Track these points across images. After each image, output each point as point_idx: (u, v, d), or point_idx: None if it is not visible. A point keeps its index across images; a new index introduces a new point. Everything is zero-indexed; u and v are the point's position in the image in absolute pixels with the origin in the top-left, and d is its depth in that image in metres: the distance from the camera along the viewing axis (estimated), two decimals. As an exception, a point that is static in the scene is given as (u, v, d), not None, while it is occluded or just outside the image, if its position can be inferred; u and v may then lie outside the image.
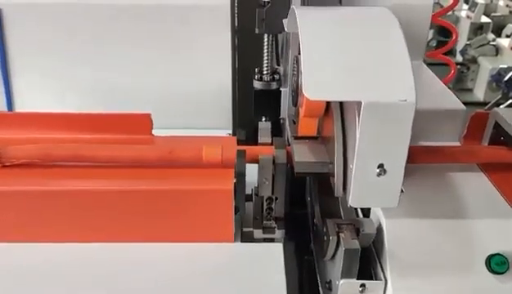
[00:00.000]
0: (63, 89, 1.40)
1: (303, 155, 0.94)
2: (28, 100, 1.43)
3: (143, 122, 1.04)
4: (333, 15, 0.87)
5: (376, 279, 0.85)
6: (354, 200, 0.78)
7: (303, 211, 1.16)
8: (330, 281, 0.91)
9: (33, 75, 1.40)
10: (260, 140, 1.07)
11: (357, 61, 0.75)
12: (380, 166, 0.73)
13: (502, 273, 0.82)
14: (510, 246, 0.83)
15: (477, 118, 1.09)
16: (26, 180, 0.95)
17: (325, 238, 0.86)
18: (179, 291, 0.89)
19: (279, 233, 1.00)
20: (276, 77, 1.28)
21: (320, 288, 1.00)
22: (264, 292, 0.88)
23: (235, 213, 0.95)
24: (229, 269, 0.93)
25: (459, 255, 0.84)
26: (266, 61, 1.26)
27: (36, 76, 1.40)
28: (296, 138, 1.01)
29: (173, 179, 0.96)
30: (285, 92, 1.27)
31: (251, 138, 1.24)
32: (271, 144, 1.04)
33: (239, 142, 1.03)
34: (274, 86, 1.28)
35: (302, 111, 0.91)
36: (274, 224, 1.00)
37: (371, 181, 0.75)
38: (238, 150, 0.95)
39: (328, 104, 0.89)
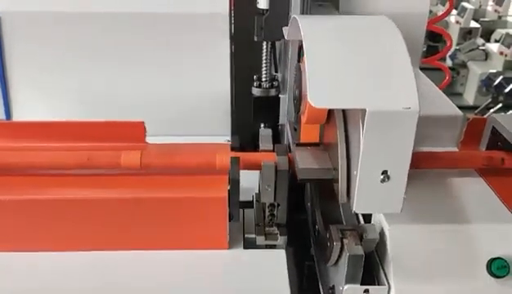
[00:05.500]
0: (61, 97, 1.39)
1: (305, 162, 0.94)
2: (26, 109, 1.41)
3: (136, 130, 1.03)
4: (335, 24, 0.88)
5: (379, 284, 0.86)
6: (358, 206, 0.78)
7: (303, 216, 1.15)
8: (334, 286, 0.91)
9: (31, 83, 1.39)
10: (261, 146, 1.07)
11: (360, 70, 0.76)
12: (384, 172, 0.74)
13: (503, 277, 0.83)
14: (511, 250, 0.85)
15: (474, 124, 1.09)
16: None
17: (329, 244, 0.87)
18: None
19: (281, 240, 1.01)
20: (275, 83, 1.29)
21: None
22: (268, 299, 0.89)
23: (230, 220, 0.95)
24: (232, 276, 0.94)
25: (460, 259, 0.85)
26: (264, 68, 1.27)
27: (35, 84, 1.39)
28: (298, 145, 1.01)
29: (168, 187, 0.96)
30: (284, 99, 1.28)
31: (250, 144, 1.25)
32: (273, 150, 1.04)
33: (233, 149, 1.03)
34: (273, 93, 1.29)
35: (304, 118, 0.91)
36: (276, 231, 1.00)
37: (375, 187, 0.75)
38: (232, 157, 0.95)
39: (330, 110, 0.89)
